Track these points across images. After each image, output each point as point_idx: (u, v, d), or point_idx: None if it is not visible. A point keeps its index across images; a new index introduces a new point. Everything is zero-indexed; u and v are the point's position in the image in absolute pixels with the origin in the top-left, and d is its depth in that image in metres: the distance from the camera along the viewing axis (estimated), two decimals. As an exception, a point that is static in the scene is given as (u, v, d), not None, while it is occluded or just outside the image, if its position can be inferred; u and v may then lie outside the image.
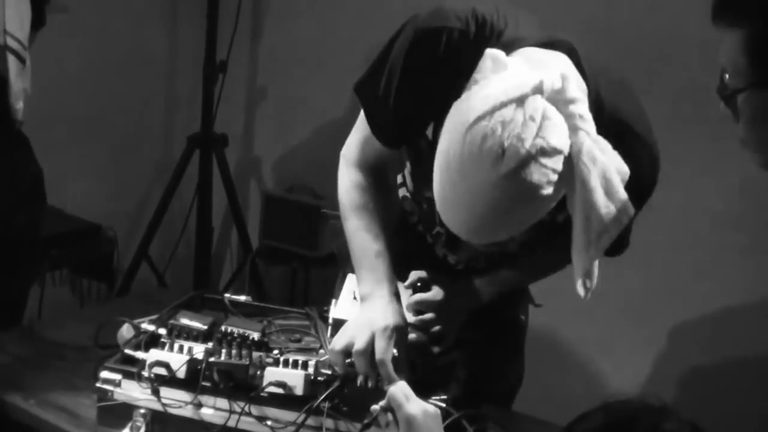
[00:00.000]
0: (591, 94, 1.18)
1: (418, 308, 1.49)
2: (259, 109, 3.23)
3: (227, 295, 1.65)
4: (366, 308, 1.40)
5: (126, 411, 1.36)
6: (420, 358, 1.45)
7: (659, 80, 2.26)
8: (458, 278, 1.54)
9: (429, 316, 1.49)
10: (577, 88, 1.13)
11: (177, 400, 1.35)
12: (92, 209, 2.78)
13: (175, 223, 3.20)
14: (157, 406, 1.34)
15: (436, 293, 1.50)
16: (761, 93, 1.00)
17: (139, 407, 1.36)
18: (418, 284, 1.50)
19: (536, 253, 1.51)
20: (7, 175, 1.83)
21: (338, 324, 1.42)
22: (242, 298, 1.63)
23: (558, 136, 1.08)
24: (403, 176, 1.54)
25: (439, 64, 1.24)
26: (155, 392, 1.34)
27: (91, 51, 2.88)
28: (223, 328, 1.46)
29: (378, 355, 1.33)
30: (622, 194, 1.12)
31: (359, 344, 1.33)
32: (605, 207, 1.11)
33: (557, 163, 1.09)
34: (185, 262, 3.20)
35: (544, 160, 1.07)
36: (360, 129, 1.47)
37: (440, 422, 1.22)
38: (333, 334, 1.41)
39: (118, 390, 1.37)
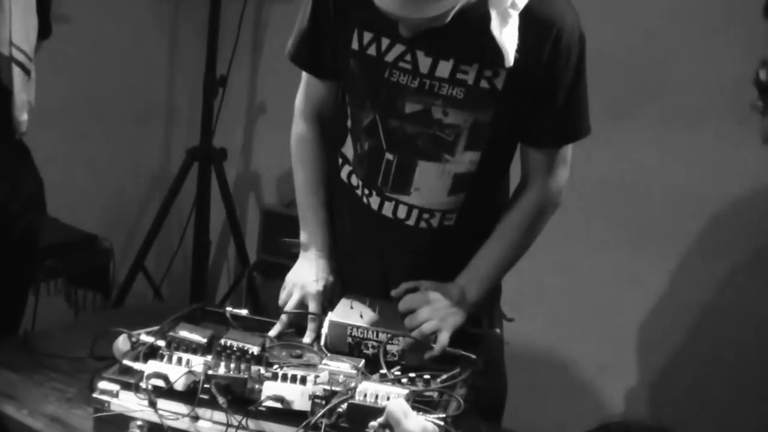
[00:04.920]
0: None
1: (409, 306, 1.56)
2: (258, 124, 3.23)
3: (228, 308, 1.65)
4: (302, 261, 1.70)
5: (122, 422, 1.35)
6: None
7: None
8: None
9: (421, 315, 1.53)
10: None
11: (174, 413, 1.34)
12: (89, 220, 2.78)
13: (173, 236, 3.20)
14: (154, 418, 1.33)
15: (424, 291, 1.57)
16: None
17: (135, 418, 1.35)
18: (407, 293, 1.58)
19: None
20: (7, 185, 1.83)
21: (335, 326, 1.56)
22: (243, 311, 1.63)
23: None
24: (343, 155, 1.67)
25: None
26: (152, 404, 1.33)
27: (93, 63, 2.90)
28: (222, 341, 1.45)
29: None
30: None
31: (290, 305, 1.63)
32: None
33: None
34: (182, 275, 3.19)
35: None
36: (304, 75, 1.69)
37: (439, 440, 1.22)
38: (331, 336, 1.56)
39: (115, 401, 1.37)
